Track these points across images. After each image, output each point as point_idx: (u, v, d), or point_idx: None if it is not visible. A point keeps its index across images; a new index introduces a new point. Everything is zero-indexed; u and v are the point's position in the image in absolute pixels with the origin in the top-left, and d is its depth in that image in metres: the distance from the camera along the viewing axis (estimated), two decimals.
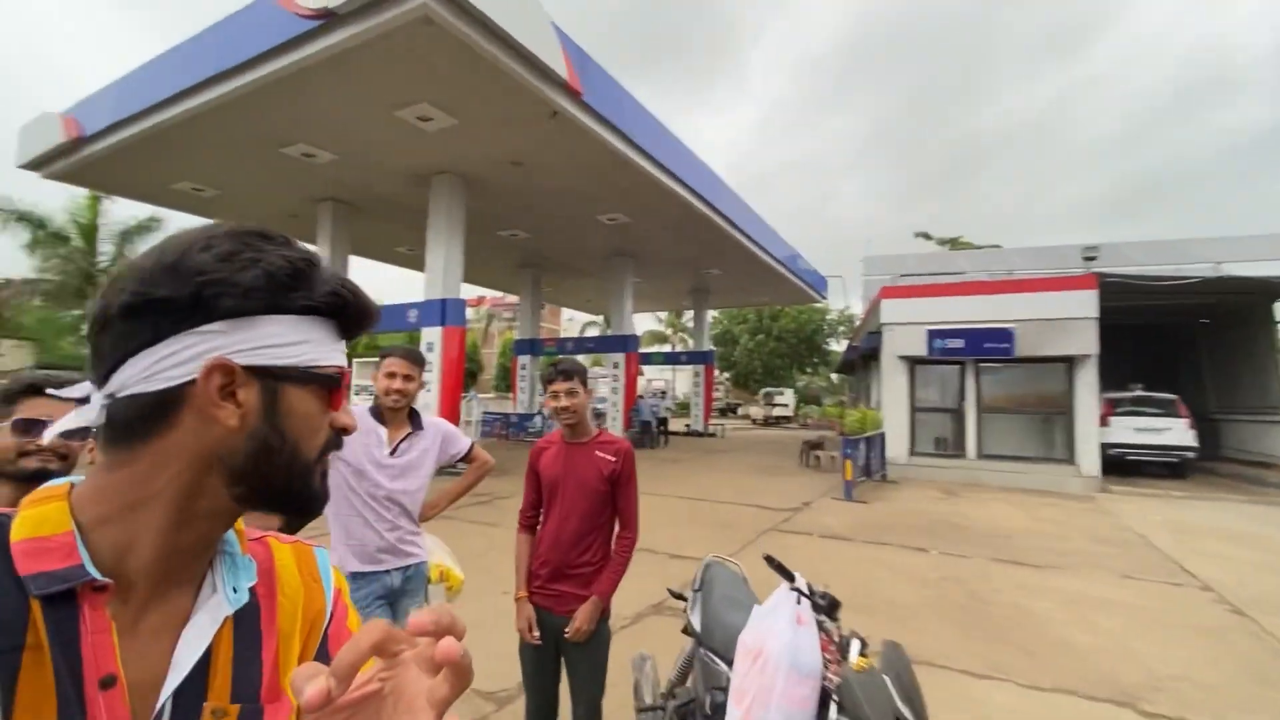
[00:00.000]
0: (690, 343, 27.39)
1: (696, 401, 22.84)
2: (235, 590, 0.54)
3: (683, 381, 34.80)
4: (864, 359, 18.36)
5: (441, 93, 8.42)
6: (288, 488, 0.53)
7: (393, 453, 2.31)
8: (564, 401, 2.16)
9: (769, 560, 1.66)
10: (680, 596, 2.48)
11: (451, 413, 10.87)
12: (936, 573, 5.62)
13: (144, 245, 14.98)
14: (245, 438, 0.50)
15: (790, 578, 1.61)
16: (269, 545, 0.61)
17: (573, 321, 48.63)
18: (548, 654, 2.12)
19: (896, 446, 12.61)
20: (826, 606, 1.57)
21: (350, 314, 0.56)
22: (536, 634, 2.09)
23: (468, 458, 2.62)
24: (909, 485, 11.33)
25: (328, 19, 7.11)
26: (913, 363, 12.98)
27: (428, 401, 10.82)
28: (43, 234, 17.61)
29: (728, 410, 42.05)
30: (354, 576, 2.23)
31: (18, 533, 0.46)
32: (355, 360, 15.63)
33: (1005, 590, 5.18)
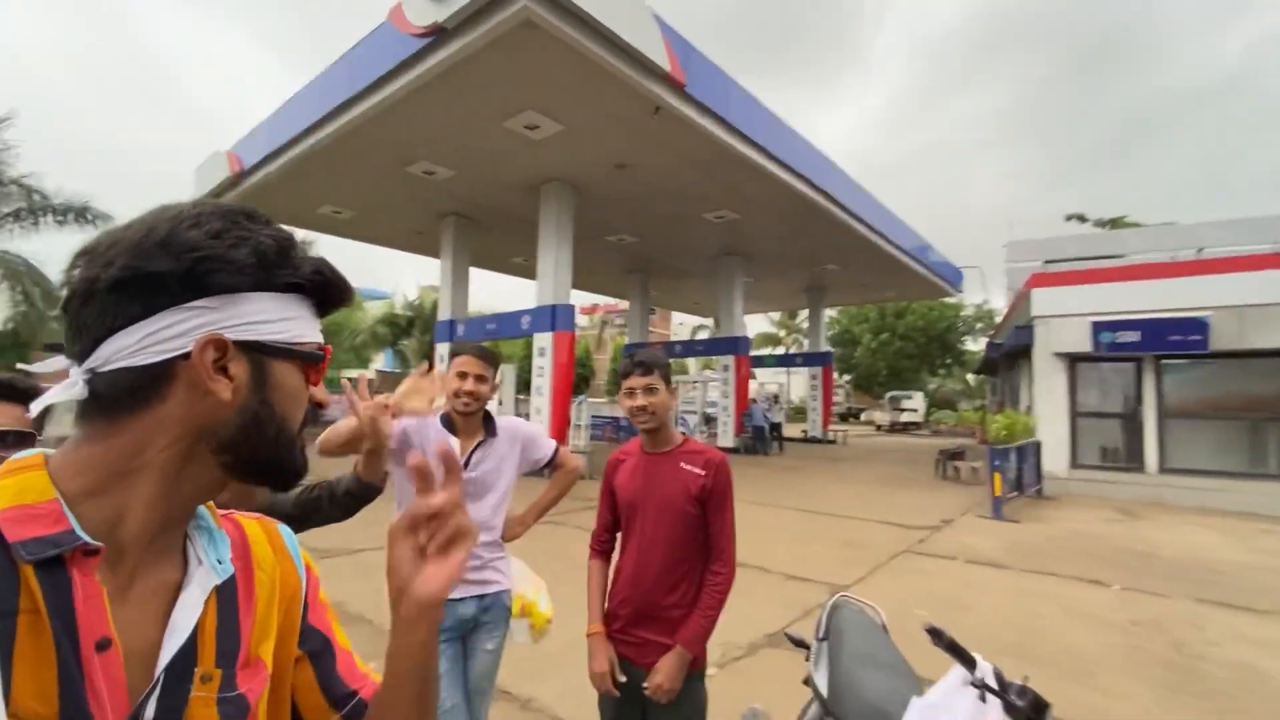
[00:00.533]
0: (805, 344, 26.03)
1: (814, 406, 21.55)
2: (220, 562, 0.54)
3: (798, 385, 33.24)
4: (1009, 357, 16.29)
5: (546, 98, 8.47)
6: (275, 458, 0.54)
7: (464, 466, 2.03)
8: (641, 400, 1.74)
9: (935, 635, 1.16)
10: (801, 643, 2.01)
11: (561, 415, 10.95)
12: (1123, 614, 4.59)
13: None
14: (236, 411, 0.50)
15: (970, 663, 1.11)
16: (238, 521, 0.61)
17: (683, 326, 48.44)
18: (631, 713, 1.73)
19: (1055, 458, 10.96)
20: (1027, 708, 1.06)
21: (330, 292, 0.57)
22: (621, 678, 1.71)
23: (553, 463, 2.31)
24: (1071, 503, 9.77)
25: (438, 34, 7.38)
26: (1073, 360, 11.23)
27: (539, 405, 10.99)
28: None
29: (848, 415, 39.76)
30: None
31: (0, 501, 0.45)
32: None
33: (1223, 642, 4.09)
